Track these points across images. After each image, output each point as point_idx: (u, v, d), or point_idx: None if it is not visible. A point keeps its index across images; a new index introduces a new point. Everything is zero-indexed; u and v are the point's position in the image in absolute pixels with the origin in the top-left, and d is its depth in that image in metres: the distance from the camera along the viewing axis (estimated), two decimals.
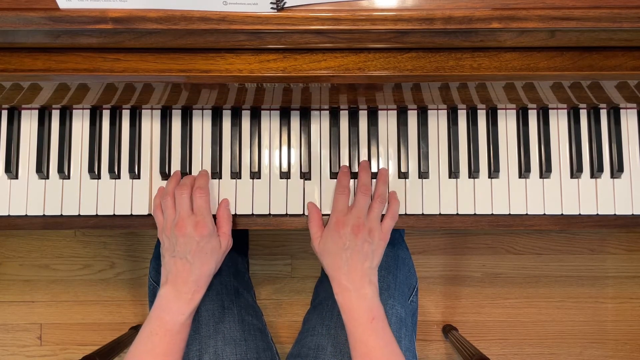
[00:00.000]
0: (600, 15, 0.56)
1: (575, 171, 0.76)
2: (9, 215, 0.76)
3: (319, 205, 0.76)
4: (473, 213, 0.76)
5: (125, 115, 0.77)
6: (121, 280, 1.43)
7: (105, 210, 0.76)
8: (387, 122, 0.77)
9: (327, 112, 0.77)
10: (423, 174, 0.76)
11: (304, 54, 0.62)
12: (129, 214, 0.76)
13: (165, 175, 0.76)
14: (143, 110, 0.77)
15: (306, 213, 0.76)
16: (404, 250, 0.88)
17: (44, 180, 0.76)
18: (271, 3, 0.56)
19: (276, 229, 0.76)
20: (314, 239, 0.73)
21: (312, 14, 0.56)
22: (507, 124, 0.77)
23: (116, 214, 0.76)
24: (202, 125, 0.77)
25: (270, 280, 1.44)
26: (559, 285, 1.44)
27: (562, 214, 0.76)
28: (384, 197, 0.73)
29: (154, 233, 0.73)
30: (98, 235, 1.44)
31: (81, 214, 0.76)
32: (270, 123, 0.77)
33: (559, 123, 0.77)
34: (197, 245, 0.68)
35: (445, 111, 0.77)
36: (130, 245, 1.44)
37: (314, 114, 0.77)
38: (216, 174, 0.76)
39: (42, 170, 0.76)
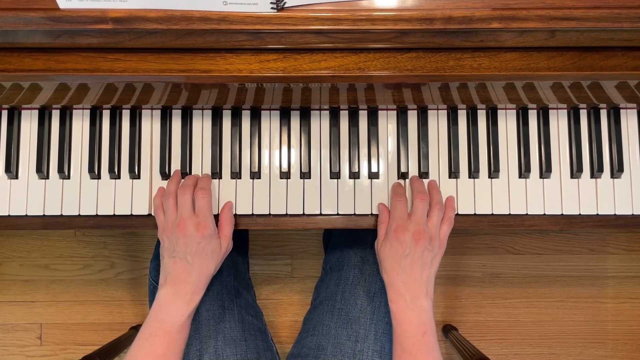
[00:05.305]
0: (600, 15, 0.56)
1: (575, 171, 0.76)
2: (9, 215, 0.76)
3: (318, 206, 0.76)
4: (473, 213, 0.76)
5: (125, 115, 0.77)
6: (121, 280, 1.43)
7: (105, 210, 0.76)
8: (387, 122, 0.77)
9: (327, 112, 0.77)
10: (423, 174, 0.76)
11: (304, 54, 0.62)
12: (129, 214, 0.76)
13: (165, 175, 0.76)
14: (143, 110, 0.77)
15: (306, 213, 0.76)
16: None
17: (44, 180, 0.76)
18: (271, 3, 0.56)
19: (276, 229, 0.76)
20: (378, 241, 0.72)
21: (312, 14, 0.56)
22: (507, 124, 0.77)
23: (116, 214, 0.76)
24: (202, 125, 0.77)
25: (270, 280, 1.43)
26: (559, 285, 1.44)
27: (562, 214, 0.76)
28: (442, 204, 0.72)
29: (153, 233, 0.73)
30: (98, 235, 1.44)
31: (81, 214, 0.76)
32: (270, 123, 0.77)
33: (559, 123, 0.77)
34: (198, 246, 0.68)
35: (445, 111, 0.77)
36: (130, 245, 1.44)
37: (314, 114, 0.77)
38: (216, 174, 0.76)
39: (42, 170, 0.76)
